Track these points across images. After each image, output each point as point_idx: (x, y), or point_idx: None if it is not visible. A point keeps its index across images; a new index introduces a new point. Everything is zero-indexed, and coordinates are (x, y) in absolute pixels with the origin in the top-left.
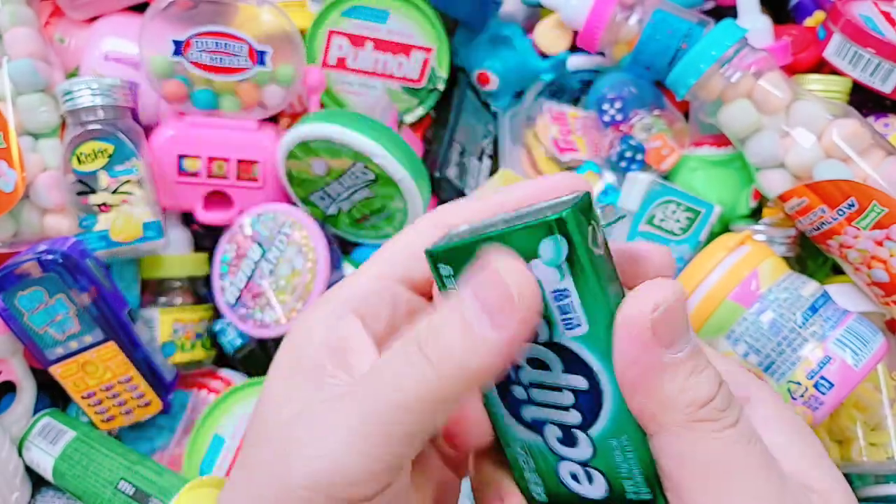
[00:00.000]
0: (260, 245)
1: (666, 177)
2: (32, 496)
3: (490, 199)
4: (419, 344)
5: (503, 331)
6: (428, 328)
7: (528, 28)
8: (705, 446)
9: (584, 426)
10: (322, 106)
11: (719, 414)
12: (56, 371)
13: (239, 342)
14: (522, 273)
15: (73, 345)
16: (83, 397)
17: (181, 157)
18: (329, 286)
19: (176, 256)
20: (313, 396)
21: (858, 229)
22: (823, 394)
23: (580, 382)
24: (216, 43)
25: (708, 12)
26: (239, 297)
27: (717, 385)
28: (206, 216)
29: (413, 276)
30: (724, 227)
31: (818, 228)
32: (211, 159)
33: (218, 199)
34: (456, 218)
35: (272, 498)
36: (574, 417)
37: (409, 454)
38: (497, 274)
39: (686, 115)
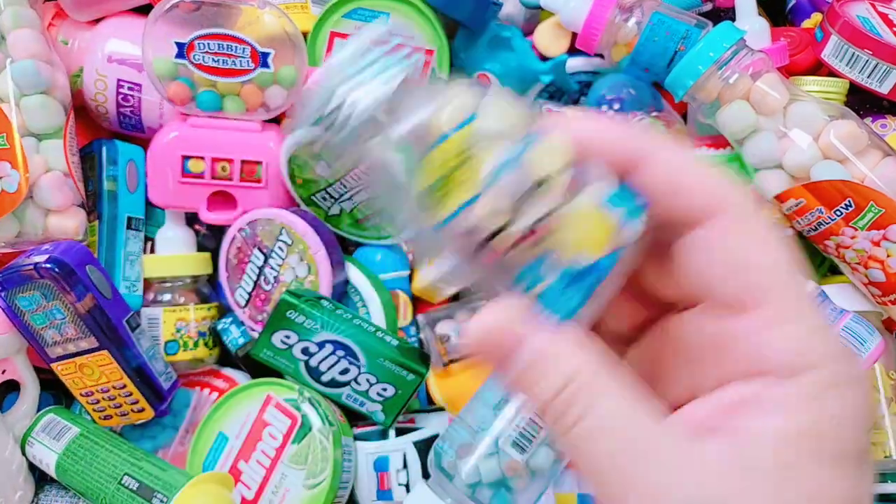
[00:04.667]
0: (260, 250)
1: None
2: (36, 494)
3: None
4: None
5: None
6: None
7: (528, 30)
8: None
9: None
10: None
11: (560, 417)
12: (57, 368)
13: (242, 341)
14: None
15: (71, 347)
16: (82, 395)
17: (185, 157)
18: (333, 289)
19: (180, 256)
20: None
21: (856, 229)
22: None
23: None
24: (219, 45)
25: (706, 14)
26: (248, 300)
27: (552, 391)
28: (210, 216)
29: None
30: None
31: (815, 229)
32: (215, 160)
33: (222, 199)
34: None
35: None
36: None
37: None
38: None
39: (684, 117)
